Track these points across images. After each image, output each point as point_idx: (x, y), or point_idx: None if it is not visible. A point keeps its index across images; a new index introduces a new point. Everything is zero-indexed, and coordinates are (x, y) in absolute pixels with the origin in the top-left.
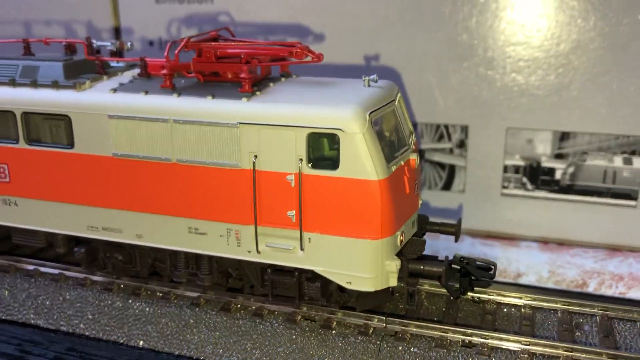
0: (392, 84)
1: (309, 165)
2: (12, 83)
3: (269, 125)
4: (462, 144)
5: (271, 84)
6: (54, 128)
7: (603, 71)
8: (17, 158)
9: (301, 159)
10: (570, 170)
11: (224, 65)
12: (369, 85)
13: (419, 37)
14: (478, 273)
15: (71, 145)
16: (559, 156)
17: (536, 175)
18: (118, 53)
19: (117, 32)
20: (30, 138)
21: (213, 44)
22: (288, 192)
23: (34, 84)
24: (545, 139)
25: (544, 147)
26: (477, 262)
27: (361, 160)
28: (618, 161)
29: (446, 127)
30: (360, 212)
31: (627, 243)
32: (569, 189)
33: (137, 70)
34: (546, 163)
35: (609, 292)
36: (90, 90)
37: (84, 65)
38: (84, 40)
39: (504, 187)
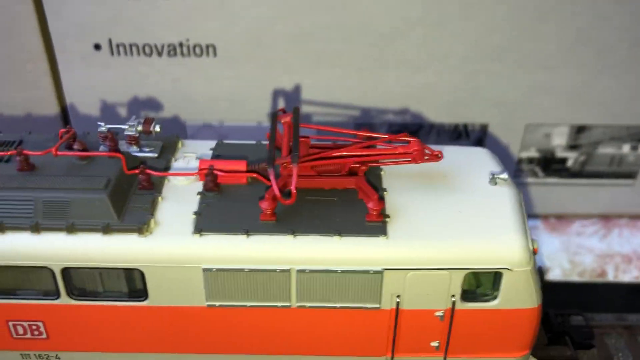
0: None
1: (462, 300)
2: (36, 228)
3: (419, 269)
4: (479, 142)
5: (385, 192)
6: (114, 280)
7: (621, 65)
8: (57, 314)
9: (454, 296)
10: (582, 158)
11: (333, 180)
12: (496, 184)
13: (441, 38)
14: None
15: (144, 297)
16: (573, 147)
17: (549, 165)
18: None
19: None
20: (75, 293)
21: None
22: (435, 326)
23: (72, 229)
24: (562, 133)
25: (560, 139)
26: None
27: (524, 292)
28: (626, 148)
29: (465, 126)
30: (512, 334)
31: (623, 212)
32: (577, 174)
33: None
34: (560, 153)
35: (625, 279)
36: (161, 232)
37: (122, 180)
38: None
39: (516, 177)
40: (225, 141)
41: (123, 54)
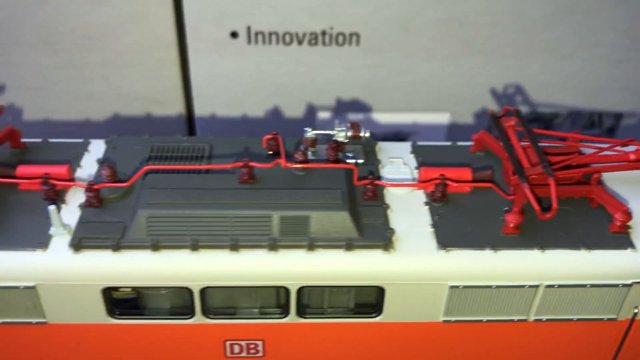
0: None
1: None
2: (273, 247)
3: None
4: (611, 130)
5: None
6: (343, 296)
7: None
8: (281, 333)
9: None
10: None
11: (569, 189)
12: None
13: (593, 26)
14: None
15: (377, 314)
16: None
17: None
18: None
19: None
20: (303, 311)
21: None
22: None
23: (312, 247)
24: None
25: None
26: None
27: None
28: None
29: (599, 114)
30: None
31: None
32: None
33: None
34: None
35: None
36: (404, 248)
37: (351, 192)
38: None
39: None
40: (420, 143)
41: (260, 43)
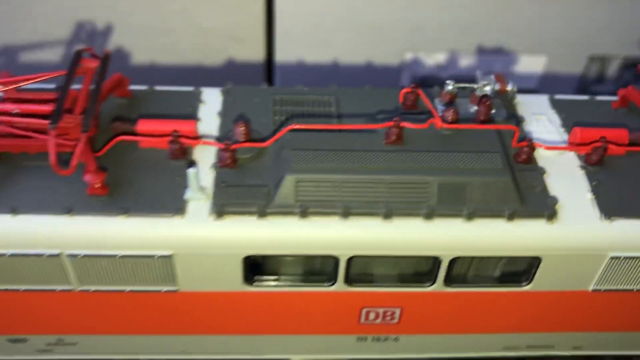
0: None
1: None
2: (430, 215)
3: None
4: None
5: None
6: (490, 267)
7: None
8: (422, 301)
9: None
10: None
11: None
12: None
13: None
14: None
15: (526, 282)
16: None
17: None
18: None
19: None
20: (452, 280)
21: None
22: None
23: (471, 216)
24: None
25: None
26: None
27: None
28: None
29: None
30: None
31: None
32: None
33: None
34: None
35: None
36: (566, 217)
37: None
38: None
39: None
40: (558, 97)
41: None
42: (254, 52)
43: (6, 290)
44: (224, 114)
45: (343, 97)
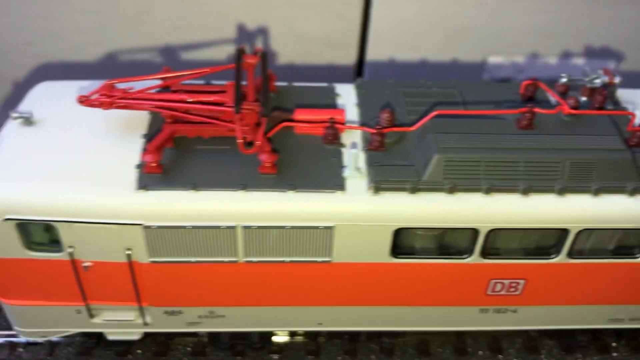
0: None
1: None
2: (562, 191)
3: None
4: None
5: None
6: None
7: None
8: (547, 272)
9: None
10: None
11: None
12: None
13: None
14: None
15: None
16: None
17: None
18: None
19: None
20: (574, 252)
21: None
22: None
23: (598, 192)
24: None
25: None
26: None
27: None
28: None
29: None
30: None
31: None
32: None
33: None
34: None
35: None
36: None
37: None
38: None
39: None
40: None
41: None
42: (347, 56)
43: (177, 262)
44: (361, 104)
45: (464, 90)
